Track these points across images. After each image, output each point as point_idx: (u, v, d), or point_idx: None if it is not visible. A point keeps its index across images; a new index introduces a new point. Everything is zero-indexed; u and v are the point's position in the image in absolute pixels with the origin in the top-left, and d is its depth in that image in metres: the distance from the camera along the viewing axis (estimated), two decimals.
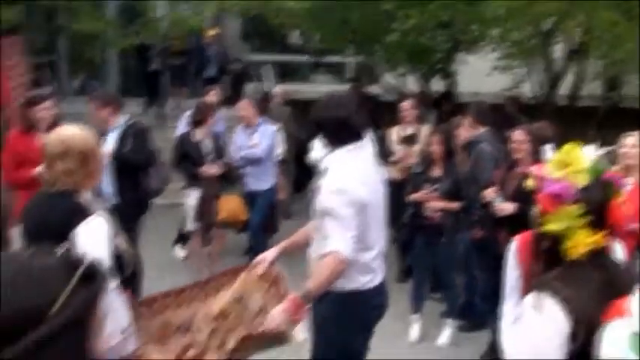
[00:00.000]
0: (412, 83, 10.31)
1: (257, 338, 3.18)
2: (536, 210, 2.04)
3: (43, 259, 1.20)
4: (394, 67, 9.91)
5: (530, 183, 2.08)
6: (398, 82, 10.49)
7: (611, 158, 5.92)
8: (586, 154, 2.01)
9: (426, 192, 5.37)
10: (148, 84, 10.74)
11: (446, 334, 5.53)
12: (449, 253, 5.43)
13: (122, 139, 5.48)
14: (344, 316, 3.23)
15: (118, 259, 2.89)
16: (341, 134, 3.17)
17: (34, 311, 1.10)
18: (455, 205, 5.34)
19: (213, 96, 7.56)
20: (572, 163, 1.96)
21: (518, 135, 4.79)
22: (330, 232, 3.05)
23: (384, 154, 7.10)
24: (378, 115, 8.53)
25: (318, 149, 6.58)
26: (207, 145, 6.60)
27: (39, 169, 4.87)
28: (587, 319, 1.85)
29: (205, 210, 6.39)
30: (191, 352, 3.23)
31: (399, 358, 5.16)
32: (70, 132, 2.94)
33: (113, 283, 2.79)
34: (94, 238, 2.78)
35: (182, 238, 7.30)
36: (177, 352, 3.22)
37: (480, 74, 9.42)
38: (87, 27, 8.73)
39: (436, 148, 5.42)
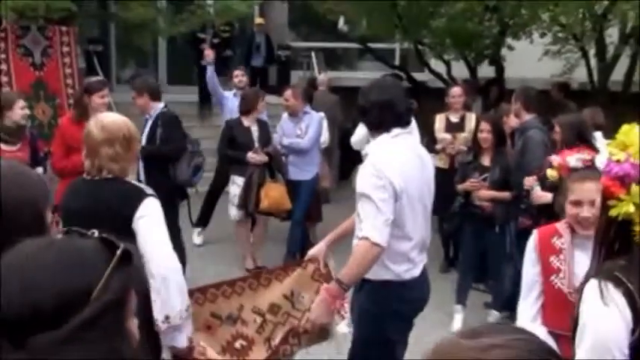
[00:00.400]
0: (459, 69, 10.14)
1: (301, 334, 3.21)
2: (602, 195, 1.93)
3: (80, 242, 1.21)
4: (441, 53, 9.75)
5: (550, 173, 2.01)
6: (445, 68, 10.34)
7: None
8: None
9: (475, 181, 5.29)
10: (200, 74, 10.78)
11: None
12: (499, 244, 5.32)
13: (153, 128, 5.54)
14: (378, 307, 3.18)
15: None
16: (384, 119, 3.12)
17: (77, 294, 1.11)
18: (505, 195, 5.24)
19: (241, 77, 7.46)
20: (633, 143, 1.87)
21: (557, 121, 4.72)
22: (363, 216, 3.02)
23: (429, 141, 7.04)
24: (425, 102, 8.44)
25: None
26: (254, 132, 6.63)
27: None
28: None
29: (248, 197, 6.43)
30: (237, 344, 3.27)
31: None
32: (111, 118, 3.00)
33: (173, 267, 2.81)
34: (155, 220, 2.81)
35: (201, 222, 7.24)
36: (223, 342, 3.26)
37: (530, 60, 9.20)
38: (137, 15, 8.82)
39: (485, 136, 5.32)
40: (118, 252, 1.18)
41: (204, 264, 6.71)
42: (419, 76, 11.42)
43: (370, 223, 2.97)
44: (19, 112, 5.15)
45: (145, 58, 12.92)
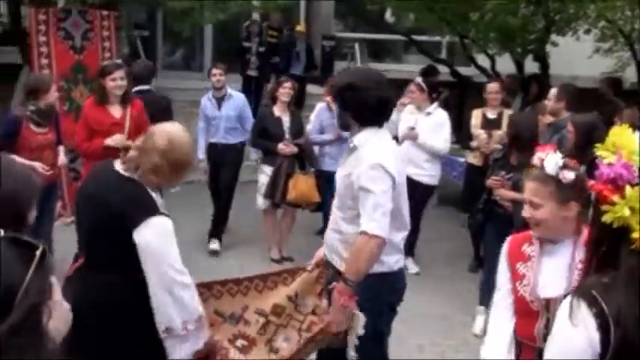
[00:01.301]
0: (507, 65, 9.87)
1: (319, 341, 3.19)
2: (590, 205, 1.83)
3: None
4: (484, 47, 9.50)
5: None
6: (490, 63, 10.09)
7: None
8: (637, 137, 1.79)
9: (496, 178, 5.09)
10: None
11: None
12: None
13: None
14: (374, 302, 3.14)
15: None
16: (379, 116, 3.13)
17: (1, 296, 1.07)
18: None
19: (219, 76, 6.94)
20: (626, 146, 1.75)
21: (571, 120, 4.66)
22: (361, 210, 2.99)
23: (465, 137, 6.87)
24: (470, 97, 8.25)
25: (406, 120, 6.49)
26: (285, 123, 6.57)
27: (110, 140, 5.02)
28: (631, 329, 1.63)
29: (275, 188, 6.38)
30: (239, 343, 3.26)
31: (462, 349, 5.01)
32: (180, 137, 2.83)
33: (183, 279, 2.74)
34: (162, 237, 2.71)
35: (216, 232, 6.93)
36: (225, 339, 3.24)
37: (578, 57, 8.90)
38: (182, 3, 8.87)
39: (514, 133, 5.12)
40: (38, 253, 1.14)
41: (228, 254, 6.70)
42: (465, 70, 11.20)
43: (368, 216, 2.95)
44: (54, 94, 5.25)
45: (191, 44, 12.99)
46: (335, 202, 3.27)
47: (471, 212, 5.44)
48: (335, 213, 3.24)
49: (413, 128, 6.37)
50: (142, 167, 2.77)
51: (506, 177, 5.11)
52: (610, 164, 1.73)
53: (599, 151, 1.78)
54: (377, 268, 3.06)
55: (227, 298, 3.25)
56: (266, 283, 3.30)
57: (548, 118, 5.58)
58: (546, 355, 1.83)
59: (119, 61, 6.43)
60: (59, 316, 1.24)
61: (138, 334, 2.79)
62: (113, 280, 2.75)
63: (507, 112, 6.59)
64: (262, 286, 3.29)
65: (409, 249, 6.74)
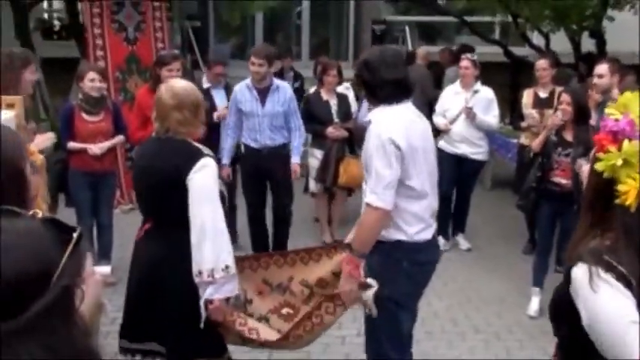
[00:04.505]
0: (560, 43, 9.63)
1: (336, 305, 3.28)
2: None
3: (26, 223, 1.18)
4: (538, 25, 9.28)
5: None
6: (545, 42, 9.86)
7: None
8: None
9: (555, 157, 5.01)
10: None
11: None
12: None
13: None
14: (388, 268, 3.16)
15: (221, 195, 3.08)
16: (396, 95, 3.15)
17: (37, 279, 1.09)
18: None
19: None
20: (634, 110, 1.77)
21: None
22: (368, 183, 3.08)
23: (517, 117, 6.75)
24: (525, 78, 8.05)
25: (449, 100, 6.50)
26: (333, 106, 6.58)
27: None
28: None
29: (326, 172, 6.41)
30: (284, 310, 3.42)
31: (516, 330, 4.97)
32: (181, 85, 3.16)
33: (216, 225, 2.96)
34: (208, 178, 2.98)
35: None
36: (272, 307, 3.42)
37: (637, 32, 8.59)
38: None
39: (564, 108, 5.01)
40: (75, 235, 1.17)
41: None
42: (519, 50, 10.98)
43: (370, 188, 3.04)
44: (88, 84, 5.33)
45: (242, 34, 13.12)
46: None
47: (522, 193, 5.35)
48: (364, 188, 3.27)
49: (470, 108, 6.33)
50: (170, 128, 3.07)
51: (563, 154, 5.01)
52: (616, 120, 1.76)
53: (609, 109, 1.80)
54: (394, 235, 3.13)
55: (274, 268, 3.40)
56: (311, 256, 3.40)
57: (597, 97, 5.44)
58: (600, 337, 1.66)
59: (176, 52, 6.51)
60: (92, 289, 1.29)
61: None
62: (181, 235, 2.99)
63: (559, 90, 6.44)
64: (308, 258, 3.39)
65: (459, 224, 6.73)
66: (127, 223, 5.41)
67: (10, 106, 3.05)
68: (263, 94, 5.65)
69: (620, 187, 1.70)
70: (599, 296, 1.65)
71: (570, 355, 1.86)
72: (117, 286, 4.25)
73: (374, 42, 11.99)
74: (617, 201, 1.70)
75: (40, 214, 1.21)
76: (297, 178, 6.06)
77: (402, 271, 3.16)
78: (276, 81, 5.81)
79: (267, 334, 3.33)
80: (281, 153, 5.76)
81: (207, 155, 3.06)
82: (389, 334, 3.25)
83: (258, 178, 5.84)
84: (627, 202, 1.69)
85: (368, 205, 3.04)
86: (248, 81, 5.68)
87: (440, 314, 5.18)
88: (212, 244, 2.94)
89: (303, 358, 4.16)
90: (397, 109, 3.15)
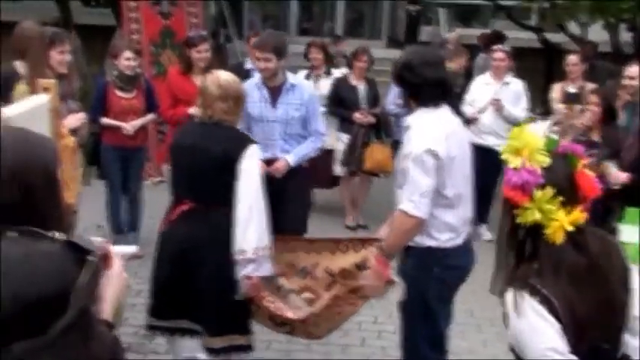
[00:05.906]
0: (598, 33, 9.48)
1: (351, 304, 3.49)
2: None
3: (50, 247, 1.26)
4: (574, 15, 9.14)
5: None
6: (583, 31, 9.71)
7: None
8: (535, 133, 1.88)
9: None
10: None
11: None
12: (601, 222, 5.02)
13: None
14: (420, 271, 3.20)
15: None
16: (437, 96, 3.12)
17: (58, 298, 1.18)
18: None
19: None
20: (526, 145, 1.83)
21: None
22: (404, 189, 3.06)
23: (544, 112, 6.72)
24: (560, 66, 7.94)
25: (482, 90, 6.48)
26: (361, 91, 6.62)
27: (193, 109, 5.21)
28: (571, 312, 1.75)
29: (352, 156, 6.47)
30: (306, 295, 3.56)
31: None
32: (226, 77, 3.39)
33: (262, 206, 3.21)
34: (256, 163, 3.25)
35: None
36: (294, 289, 3.58)
37: None
38: None
39: (594, 109, 5.00)
40: (92, 259, 1.25)
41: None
42: (555, 37, 10.83)
43: (407, 195, 3.03)
44: (124, 62, 5.44)
45: (277, 9, 13.11)
46: (397, 181, 3.28)
47: None
48: (397, 191, 3.27)
49: (498, 100, 6.33)
50: (214, 116, 3.29)
51: (588, 154, 4.99)
52: (515, 169, 1.82)
53: (504, 154, 1.86)
54: (425, 242, 3.14)
55: (301, 253, 3.56)
56: (339, 247, 3.51)
57: (627, 97, 5.38)
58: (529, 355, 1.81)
59: (204, 33, 6.58)
60: (116, 287, 1.42)
61: None
62: (221, 216, 3.22)
63: (589, 86, 6.40)
64: (335, 249, 3.51)
65: (482, 215, 6.74)
66: (157, 196, 5.53)
67: (46, 89, 3.18)
68: (274, 94, 4.45)
69: (547, 232, 1.81)
70: (521, 321, 1.78)
71: None
72: (144, 259, 4.40)
73: (408, 22, 11.94)
74: (550, 239, 1.80)
75: (58, 236, 1.29)
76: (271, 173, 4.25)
77: (433, 275, 3.18)
78: (291, 78, 4.55)
79: (291, 313, 3.50)
80: (296, 169, 4.49)
81: (254, 142, 3.33)
82: (424, 335, 3.29)
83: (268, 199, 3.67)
84: (555, 240, 1.80)
85: (404, 212, 3.03)
86: (257, 78, 4.54)
87: (456, 304, 5.22)
88: (257, 224, 3.18)
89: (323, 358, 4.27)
90: (438, 114, 3.11)
